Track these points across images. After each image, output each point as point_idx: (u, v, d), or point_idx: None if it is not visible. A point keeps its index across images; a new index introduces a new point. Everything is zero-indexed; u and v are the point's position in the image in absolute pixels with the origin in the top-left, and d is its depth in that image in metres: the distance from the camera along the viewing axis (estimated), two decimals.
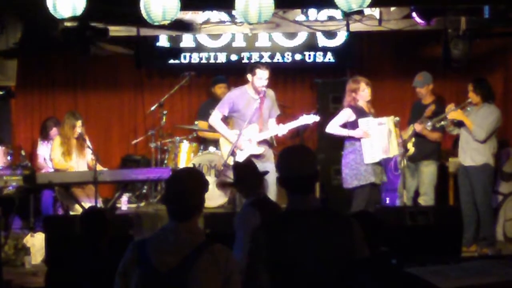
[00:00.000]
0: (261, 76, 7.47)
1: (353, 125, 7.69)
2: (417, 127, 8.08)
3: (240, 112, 7.57)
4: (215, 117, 7.75)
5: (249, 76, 7.56)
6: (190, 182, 3.31)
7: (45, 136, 9.47)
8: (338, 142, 8.46)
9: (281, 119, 8.04)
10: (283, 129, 7.60)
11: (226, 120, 7.96)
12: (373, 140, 7.62)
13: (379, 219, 4.51)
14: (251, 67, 7.59)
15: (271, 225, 3.31)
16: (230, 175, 8.34)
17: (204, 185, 3.35)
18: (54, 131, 9.29)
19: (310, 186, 3.36)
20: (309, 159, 3.39)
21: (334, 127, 7.75)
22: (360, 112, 7.72)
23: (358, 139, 7.65)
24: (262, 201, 5.13)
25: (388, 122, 7.73)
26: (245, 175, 5.26)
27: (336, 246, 3.20)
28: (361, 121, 7.67)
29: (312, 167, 3.37)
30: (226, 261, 3.20)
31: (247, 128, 7.47)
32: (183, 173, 3.52)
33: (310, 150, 3.53)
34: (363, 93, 7.73)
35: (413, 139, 8.12)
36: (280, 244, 3.17)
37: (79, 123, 8.46)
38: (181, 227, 3.26)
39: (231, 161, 7.58)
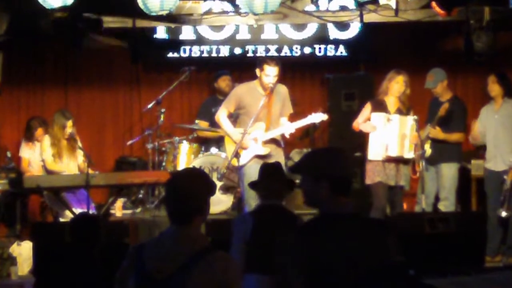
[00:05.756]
0: (269, 73, 7.42)
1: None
2: (432, 132, 8.04)
3: (247, 109, 7.54)
4: (221, 113, 7.70)
5: (257, 71, 7.51)
6: (189, 182, 3.30)
7: (30, 138, 9.32)
8: (350, 143, 8.47)
9: (290, 118, 8.02)
10: (289, 128, 7.57)
11: (234, 119, 7.93)
12: (378, 136, 7.66)
13: (392, 227, 4.52)
14: (260, 62, 7.52)
15: (307, 228, 3.33)
16: (234, 178, 8.42)
17: (208, 187, 3.34)
18: (39, 132, 9.17)
19: (351, 189, 3.40)
20: (350, 161, 3.49)
21: (355, 123, 7.93)
22: (378, 106, 7.79)
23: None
24: (266, 208, 5.20)
25: (400, 120, 7.72)
26: (264, 177, 5.32)
27: (371, 253, 3.22)
28: (372, 115, 7.75)
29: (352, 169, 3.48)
30: (225, 270, 3.19)
31: (253, 127, 7.48)
32: (183, 173, 3.56)
33: None
34: (396, 85, 7.77)
35: (430, 140, 8.10)
36: (316, 248, 3.19)
37: (70, 123, 8.39)
38: (180, 232, 3.26)
39: (235, 163, 7.58)
